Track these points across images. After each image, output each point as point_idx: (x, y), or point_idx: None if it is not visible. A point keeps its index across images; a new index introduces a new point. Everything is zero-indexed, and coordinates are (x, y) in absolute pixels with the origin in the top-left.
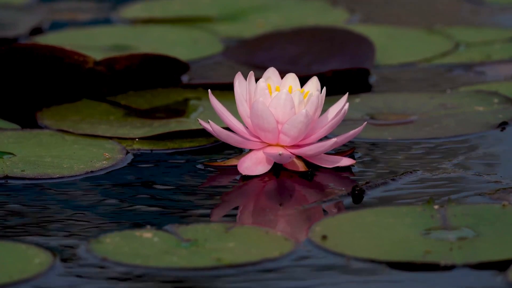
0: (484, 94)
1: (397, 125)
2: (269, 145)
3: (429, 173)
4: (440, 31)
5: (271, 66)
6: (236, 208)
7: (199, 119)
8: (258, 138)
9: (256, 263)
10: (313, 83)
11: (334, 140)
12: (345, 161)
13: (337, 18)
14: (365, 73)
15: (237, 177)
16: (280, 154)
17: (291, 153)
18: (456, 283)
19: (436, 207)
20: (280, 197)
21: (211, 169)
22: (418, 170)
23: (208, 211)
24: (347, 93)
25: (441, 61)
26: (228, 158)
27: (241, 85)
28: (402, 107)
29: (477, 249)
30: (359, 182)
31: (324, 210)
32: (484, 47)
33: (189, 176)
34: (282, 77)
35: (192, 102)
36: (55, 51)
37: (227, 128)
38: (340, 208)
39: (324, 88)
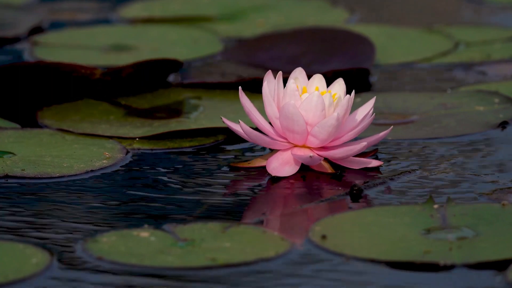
0: (485, 94)
1: (397, 125)
2: (296, 146)
3: (429, 173)
4: (440, 31)
5: (271, 66)
6: (239, 208)
7: (223, 118)
8: (285, 139)
9: (251, 263)
10: (340, 85)
11: (364, 144)
12: (374, 163)
13: (337, 18)
14: (365, 73)
15: (266, 179)
16: (310, 157)
17: (319, 155)
18: (455, 283)
19: (435, 206)
20: (308, 198)
21: (201, 167)
22: (416, 170)
23: (207, 211)
24: (375, 97)
25: (441, 61)
26: (239, 160)
27: (270, 85)
28: (402, 107)
29: (477, 248)
30: (358, 182)
31: (322, 210)
32: (484, 46)
33: (189, 175)
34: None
35: (192, 101)
36: (62, 67)
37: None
38: (340, 207)
39: (353, 90)
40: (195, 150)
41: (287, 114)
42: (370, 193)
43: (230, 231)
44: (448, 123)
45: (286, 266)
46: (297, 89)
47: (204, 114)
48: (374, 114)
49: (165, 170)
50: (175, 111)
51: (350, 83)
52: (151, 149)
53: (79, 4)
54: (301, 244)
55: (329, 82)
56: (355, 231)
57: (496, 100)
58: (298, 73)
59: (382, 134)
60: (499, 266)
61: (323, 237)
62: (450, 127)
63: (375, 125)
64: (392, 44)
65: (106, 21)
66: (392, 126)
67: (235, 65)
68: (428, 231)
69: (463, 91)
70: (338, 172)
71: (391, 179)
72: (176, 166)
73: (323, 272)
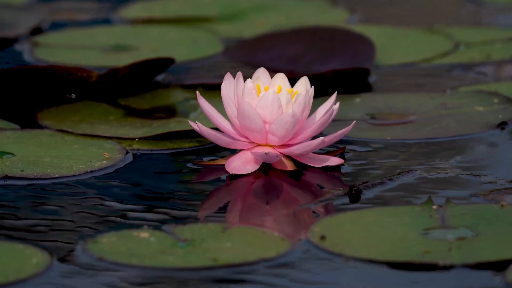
0: (484, 94)
1: (397, 125)
2: (258, 145)
3: (427, 173)
4: (440, 31)
5: (271, 66)
6: (224, 207)
7: (189, 121)
8: (247, 138)
9: (252, 263)
10: (303, 83)
11: (321, 139)
12: (334, 160)
13: (337, 18)
14: (366, 73)
15: (225, 176)
16: (266, 153)
17: (279, 152)
18: (454, 283)
19: (434, 207)
20: (266, 196)
21: (201, 168)
22: (415, 170)
23: (206, 211)
24: (336, 92)
25: (441, 61)
26: (222, 157)
27: (228, 86)
28: (402, 107)
29: (476, 249)
30: (349, 182)
31: (322, 210)
32: (484, 47)
33: (188, 176)
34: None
35: (191, 102)
36: (59, 70)
37: (216, 129)
38: (338, 208)
39: (312, 87)
40: (195, 150)
41: (244, 112)
42: (370, 193)
43: (231, 231)
44: (448, 123)
45: (286, 266)
46: (254, 87)
47: (204, 114)
48: (333, 110)
49: (165, 170)
50: (174, 111)
51: (350, 83)
52: (151, 150)
53: (79, 4)
54: (300, 244)
55: (329, 82)
56: (354, 231)
57: (496, 100)
58: (261, 73)
59: (341, 131)
60: (498, 266)
61: (322, 237)
62: (450, 127)
63: (375, 125)
64: (392, 45)
65: (106, 21)
66: (354, 122)
67: (235, 65)
68: (428, 231)
69: (463, 92)
70: (297, 170)
71: (390, 179)
72: (175, 167)
73: (323, 273)
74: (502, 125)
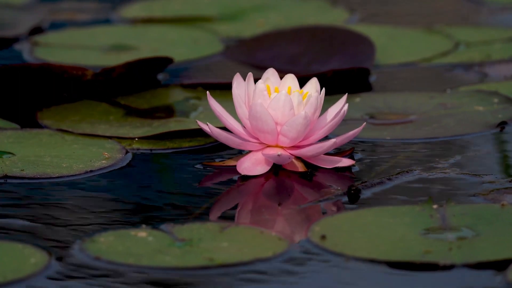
0: (484, 94)
1: (397, 125)
2: (269, 146)
3: (427, 173)
4: (440, 31)
5: (271, 66)
6: (235, 207)
7: (198, 121)
8: (257, 139)
9: (248, 263)
10: (312, 84)
11: (333, 141)
12: (345, 162)
13: (337, 18)
14: (366, 72)
15: (236, 177)
16: (278, 155)
17: (290, 154)
18: (455, 283)
19: (435, 206)
20: (278, 196)
21: (210, 168)
22: (414, 170)
23: (206, 211)
24: (346, 94)
25: (441, 61)
26: (228, 158)
27: (239, 87)
28: (402, 107)
29: (476, 249)
30: (356, 182)
31: (321, 210)
32: (484, 47)
33: (188, 176)
34: (281, 77)
35: (191, 101)
36: (53, 68)
37: (226, 129)
38: (339, 207)
39: (323, 89)
40: (195, 150)
41: (255, 114)
42: (370, 193)
43: (228, 231)
44: (447, 123)
45: (285, 266)
46: (265, 89)
47: (204, 114)
48: (344, 111)
49: (165, 170)
50: (174, 111)
51: (350, 83)
52: (151, 149)
53: (79, 4)
54: (300, 244)
55: (329, 82)
56: (354, 231)
57: (496, 100)
58: (270, 74)
59: (353, 132)
60: (499, 266)
61: (323, 237)
62: (450, 127)
63: (375, 125)
64: (392, 44)
65: (106, 21)
66: (364, 123)
67: (235, 65)
68: (428, 231)
69: (463, 91)
70: (309, 171)
71: (389, 179)
72: (175, 166)
73: (323, 272)
74: (502, 125)
